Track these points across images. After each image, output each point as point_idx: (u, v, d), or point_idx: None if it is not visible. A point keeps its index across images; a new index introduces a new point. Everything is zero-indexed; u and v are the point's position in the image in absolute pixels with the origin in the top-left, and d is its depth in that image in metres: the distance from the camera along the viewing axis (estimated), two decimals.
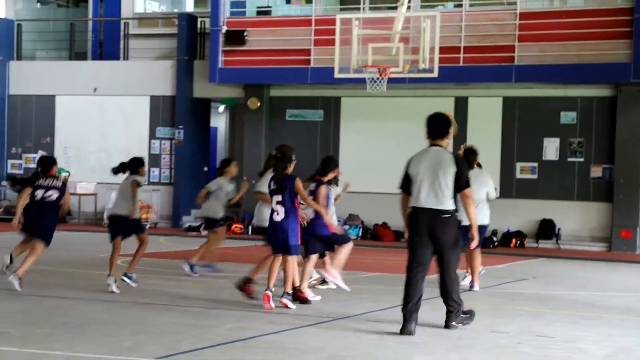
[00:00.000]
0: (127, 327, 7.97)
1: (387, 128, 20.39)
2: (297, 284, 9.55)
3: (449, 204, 7.81)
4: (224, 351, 7.08)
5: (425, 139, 8.09)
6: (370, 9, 19.66)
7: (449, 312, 8.10)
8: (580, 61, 18.02)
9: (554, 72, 18.19)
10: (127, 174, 10.62)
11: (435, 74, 14.95)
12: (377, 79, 15.06)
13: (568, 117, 19.27)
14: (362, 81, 15.52)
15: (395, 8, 15.97)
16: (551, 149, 19.27)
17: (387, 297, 10.40)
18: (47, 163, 10.33)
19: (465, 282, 11.17)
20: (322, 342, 7.56)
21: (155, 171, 22.09)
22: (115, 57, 23.07)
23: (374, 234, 19.51)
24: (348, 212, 19.80)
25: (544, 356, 7.24)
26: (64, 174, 21.76)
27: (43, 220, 10.07)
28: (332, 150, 20.67)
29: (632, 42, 17.61)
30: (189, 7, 23.82)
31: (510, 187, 19.11)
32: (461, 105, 19.93)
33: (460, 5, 19.15)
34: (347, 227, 19.52)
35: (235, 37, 20.26)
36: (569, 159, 19.20)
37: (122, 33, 23.03)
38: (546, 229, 18.98)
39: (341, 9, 20.71)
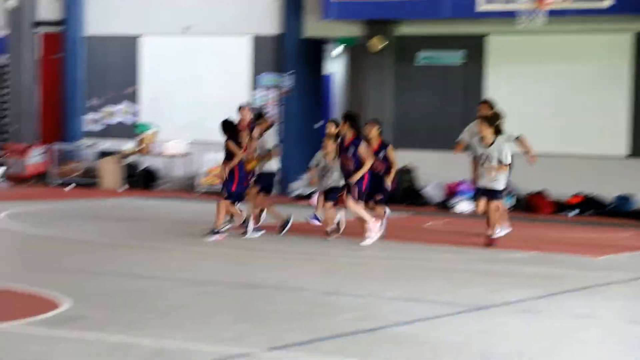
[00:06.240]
0: (227, 314, 8.20)
1: (545, 73, 19.98)
2: None
3: None
4: (344, 344, 7.20)
5: None
6: None
7: None
8: None
9: None
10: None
11: (607, 3, 14.59)
12: (533, 10, 14.83)
13: None
14: (513, 15, 15.30)
15: None
16: None
17: (545, 282, 10.34)
18: None
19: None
20: (465, 336, 7.61)
21: None
22: None
23: (528, 205, 19.25)
24: None
25: None
26: (150, 131, 22.31)
27: None
28: (476, 101, 20.49)
29: None
30: None
31: None
32: None
33: None
34: None
35: None
36: None
37: None
38: None
39: None
